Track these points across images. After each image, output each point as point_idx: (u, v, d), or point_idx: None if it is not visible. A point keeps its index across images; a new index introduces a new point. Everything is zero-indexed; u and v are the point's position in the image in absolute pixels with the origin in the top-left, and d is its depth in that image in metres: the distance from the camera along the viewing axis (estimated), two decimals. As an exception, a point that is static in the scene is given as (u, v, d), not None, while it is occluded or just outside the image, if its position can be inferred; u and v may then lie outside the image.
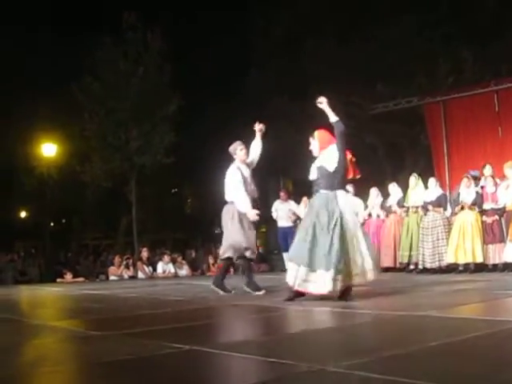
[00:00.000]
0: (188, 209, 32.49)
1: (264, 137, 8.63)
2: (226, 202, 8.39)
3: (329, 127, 7.13)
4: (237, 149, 8.46)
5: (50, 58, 23.15)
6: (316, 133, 7.12)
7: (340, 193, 6.83)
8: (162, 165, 20.65)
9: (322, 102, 7.07)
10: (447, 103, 16.89)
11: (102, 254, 22.76)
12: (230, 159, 8.46)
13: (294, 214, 15.72)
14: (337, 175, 6.86)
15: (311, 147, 7.12)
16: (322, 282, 6.31)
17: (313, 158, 7.15)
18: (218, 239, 25.25)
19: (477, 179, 12.78)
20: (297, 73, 21.60)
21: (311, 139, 7.13)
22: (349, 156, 7.07)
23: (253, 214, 8.15)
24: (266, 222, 17.06)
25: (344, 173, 6.99)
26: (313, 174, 7.08)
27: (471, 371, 2.86)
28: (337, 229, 6.47)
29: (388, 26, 19.64)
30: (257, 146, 8.63)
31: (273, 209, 16.32)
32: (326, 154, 6.97)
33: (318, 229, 6.55)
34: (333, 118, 6.95)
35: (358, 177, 7.40)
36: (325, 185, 6.84)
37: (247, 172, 8.39)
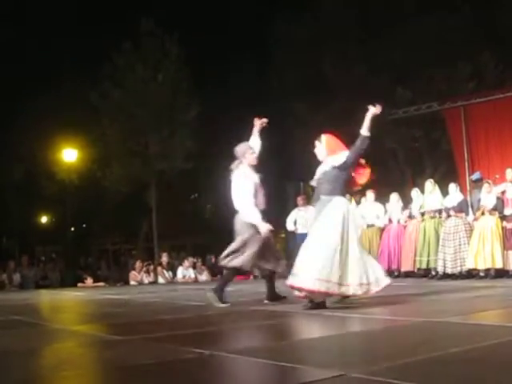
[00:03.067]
0: (207, 214, 32.48)
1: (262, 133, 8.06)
2: None
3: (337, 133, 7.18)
4: (247, 152, 7.75)
5: (71, 65, 23.30)
6: (323, 137, 7.03)
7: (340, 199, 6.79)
8: (182, 170, 20.72)
9: (375, 112, 7.01)
10: (468, 108, 16.80)
11: (121, 259, 22.83)
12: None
13: None
14: (339, 179, 6.83)
15: (316, 150, 7.06)
16: None
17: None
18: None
19: (478, 182, 12.76)
20: (317, 77, 21.59)
21: (317, 142, 7.05)
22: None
23: (265, 228, 7.49)
24: (285, 227, 17.00)
25: (346, 181, 6.97)
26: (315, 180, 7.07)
27: (492, 378, 2.84)
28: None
29: (409, 30, 19.59)
30: (256, 143, 8.04)
31: (289, 219, 16.26)
32: (334, 159, 6.90)
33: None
34: (366, 131, 6.93)
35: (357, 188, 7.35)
36: (326, 190, 6.83)
37: (257, 178, 7.69)
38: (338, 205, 6.71)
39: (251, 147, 7.84)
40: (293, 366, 3.22)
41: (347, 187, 7.09)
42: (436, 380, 2.81)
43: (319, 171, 6.99)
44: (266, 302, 7.61)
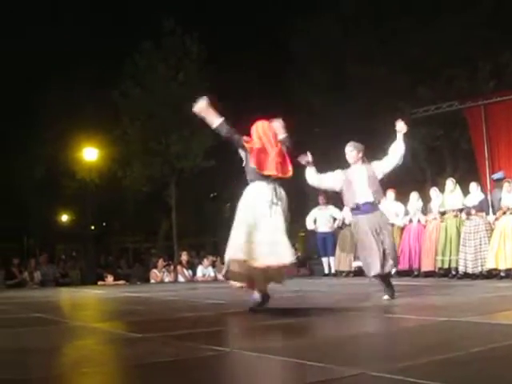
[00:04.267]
0: (227, 212, 32.55)
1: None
2: None
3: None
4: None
5: (92, 64, 23.41)
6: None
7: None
8: (202, 169, 20.75)
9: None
10: (488, 107, 16.69)
11: (141, 258, 22.91)
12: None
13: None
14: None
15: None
16: None
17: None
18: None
19: (500, 181, 12.70)
20: (338, 77, 21.57)
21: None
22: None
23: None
24: (305, 225, 17.00)
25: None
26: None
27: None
28: None
29: (429, 29, 19.51)
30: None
31: (309, 218, 16.26)
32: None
33: None
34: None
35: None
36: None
37: None
38: None
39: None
40: (312, 363, 3.22)
41: None
42: (457, 379, 2.80)
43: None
44: None
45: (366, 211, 7.26)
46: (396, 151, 7.51)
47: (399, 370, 2.95)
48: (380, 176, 7.41)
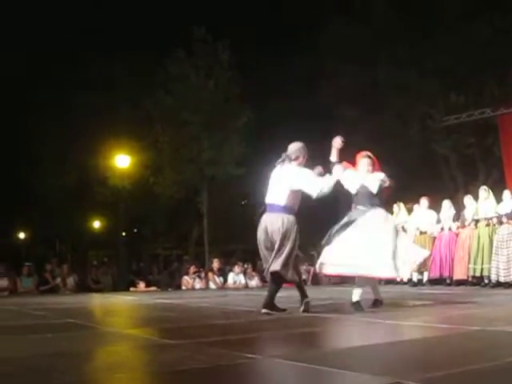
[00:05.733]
0: (257, 219, 32.60)
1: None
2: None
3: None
4: (303, 154, 7.43)
5: (125, 72, 23.64)
6: (373, 157, 7.52)
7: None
8: (233, 176, 20.81)
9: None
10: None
11: (172, 265, 23.00)
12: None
13: None
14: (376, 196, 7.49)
15: (364, 165, 7.44)
16: None
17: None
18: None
19: None
20: (370, 83, 21.51)
21: (368, 160, 7.48)
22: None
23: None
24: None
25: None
26: (353, 188, 7.53)
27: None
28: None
29: (460, 35, 19.40)
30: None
31: None
32: (374, 177, 7.50)
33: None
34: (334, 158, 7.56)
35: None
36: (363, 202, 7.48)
37: None
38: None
39: (306, 150, 7.47)
40: (346, 372, 3.21)
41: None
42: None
43: (358, 182, 7.32)
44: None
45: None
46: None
47: (433, 380, 2.94)
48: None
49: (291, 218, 7.16)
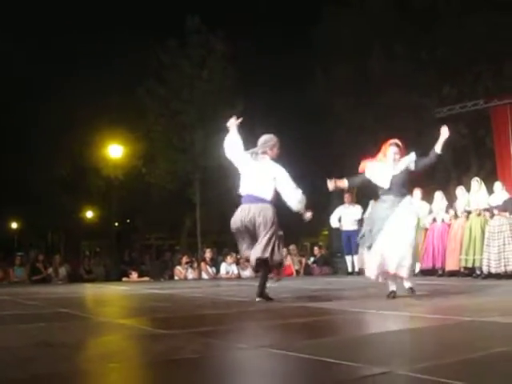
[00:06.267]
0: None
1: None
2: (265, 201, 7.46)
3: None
4: (276, 145, 7.75)
5: (117, 62, 23.57)
6: (401, 145, 7.32)
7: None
8: (225, 167, 20.80)
9: (445, 134, 7.47)
10: (515, 106, 16.59)
11: (165, 255, 23.01)
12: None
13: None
14: (405, 184, 7.41)
15: (392, 155, 7.25)
16: None
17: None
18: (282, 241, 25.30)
19: None
20: (363, 75, 21.51)
21: (396, 148, 7.28)
22: None
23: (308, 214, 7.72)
24: (328, 224, 17.01)
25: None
26: (386, 181, 7.24)
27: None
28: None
29: (456, 27, 19.42)
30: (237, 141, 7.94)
31: (334, 216, 16.25)
32: (403, 163, 7.38)
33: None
34: (439, 149, 7.41)
35: None
36: (396, 191, 7.35)
37: None
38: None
39: (278, 142, 7.79)
40: (338, 362, 3.23)
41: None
42: (483, 379, 2.79)
43: (388, 172, 7.22)
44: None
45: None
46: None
47: (424, 370, 2.95)
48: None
49: (274, 209, 7.46)
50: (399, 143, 7.37)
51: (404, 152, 7.39)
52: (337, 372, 3.06)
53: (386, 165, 7.38)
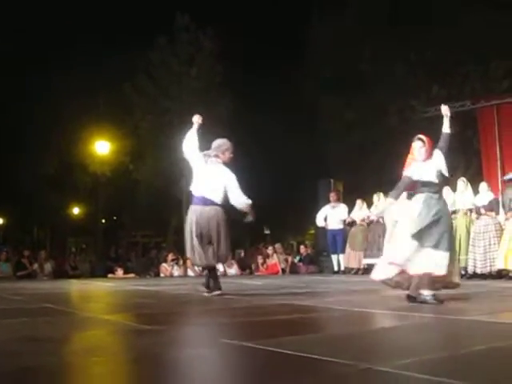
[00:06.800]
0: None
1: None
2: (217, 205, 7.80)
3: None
4: (228, 150, 8.00)
5: (105, 58, 23.51)
6: (426, 139, 7.10)
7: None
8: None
9: (447, 112, 7.24)
10: (501, 107, 16.68)
11: (151, 252, 22.99)
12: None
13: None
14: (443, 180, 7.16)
15: (419, 150, 7.06)
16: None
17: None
18: (267, 239, 25.25)
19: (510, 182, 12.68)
20: (353, 75, 21.58)
21: (421, 143, 7.06)
22: None
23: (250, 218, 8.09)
24: (315, 223, 17.05)
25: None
26: (419, 176, 7.06)
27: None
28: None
29: (445, 28, 19.52)
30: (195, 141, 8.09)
31: (319, 215, 16.29)
32: (433, 160, 7.05)
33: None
34: (449, 129, 7.15)
35: None
36: (435, 189, 7.00)
37: None
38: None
39: (232, 147, 8.01)
40: (319, 358, 3.25)
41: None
42: (462, 376, 2.82)
43: (419, 170, 7.02)
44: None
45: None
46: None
47: (404, 366, 2.99)
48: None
49: (224, 212, 7.83)
50: (423, 138, 7.16)
51: (431, 146, 7.14)
52: (317, 368, 3.09)
53: (414, 163, 7.17)
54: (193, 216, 7.75)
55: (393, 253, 6.87)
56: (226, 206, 7.88)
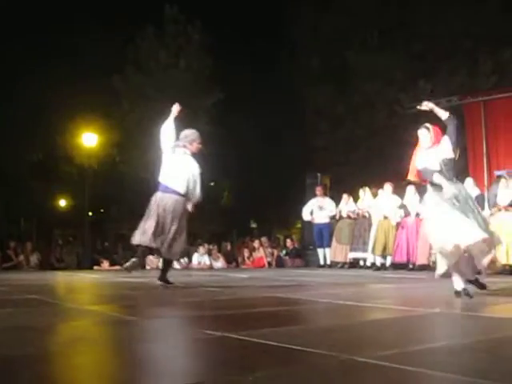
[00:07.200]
0: (223, 201, 32.55)
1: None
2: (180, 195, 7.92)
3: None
4: (196, 140, 8.14)
5: (92, 49, 23.39)
6: (431, 126, 7.11)
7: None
8: (200, 156, 20.77)
9: (428, 106, 7.20)
10: (488, 103, 16.73)
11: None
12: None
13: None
14: (454, 164, 6.98)
15: (423, 138, 7.07)
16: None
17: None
18: (254, 233, 25.25)
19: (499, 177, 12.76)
20: (340, 67, 21.62)
21: (425, 130, 7.06)
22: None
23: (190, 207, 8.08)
24: (301, 217, 17.09)
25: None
26: (423, 163, 7.06)
27: (498, 369, 2.87)
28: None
29: (434, 22, 19.58)
30: (172, 130, 8.20)
31: (306, 209, 16.32)
32: (440, 147, 6.99)
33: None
34: (444, 115, 7.02)
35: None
36: (449, 175, 6.89)
37: None
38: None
39: (199, 137, 8.13)
40: (300, 349, 3.28)
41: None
42: (442, 368, 2.85)
43: (426, 157, 7.03)
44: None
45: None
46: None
47: (386, 357, 3.01)
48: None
49: (185, 202, 7.96)
50: (428, 126, 7.17)
51: (439, 134, 7.13)
52: (299, 359, 3.11)
53: (419, 152, 7.16)
54: (152, 201, 7.94)
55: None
56: (188, 196, 7.99)
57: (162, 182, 7.94)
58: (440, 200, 6.74)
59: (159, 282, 7.95)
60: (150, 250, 8.17)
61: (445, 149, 6.92)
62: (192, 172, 7.96)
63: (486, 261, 6.61)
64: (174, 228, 7.69)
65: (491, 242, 6.62)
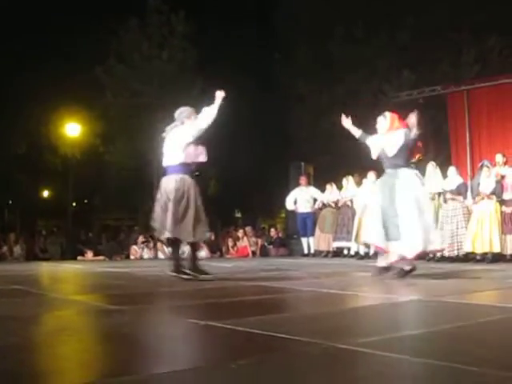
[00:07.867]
0: (210, 190, 32.55)
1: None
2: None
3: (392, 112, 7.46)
4: (192, 115, 7.57)
5: (76, 40, 23.26)
6: (388, 113, 7.26)
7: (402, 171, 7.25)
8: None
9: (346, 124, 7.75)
10: (471, 92, 16.82)
11: (120, 235, 22.90)
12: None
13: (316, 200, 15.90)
14: (398, 157, 7.25)
15: (379, 125, 7.26)
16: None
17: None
18: (238, 222, 25.25)
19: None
20: (323, 58, 21.63)
21: (382, 118, 7.26)
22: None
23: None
24: (285, 206, 17.13)
25: (407, 154, 7.39)
26: (375, 152, 7.44)
27: (479, 353, 2.92)
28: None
29: (417, 12, 19.64)
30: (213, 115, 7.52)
31: (289, 199, 16.36)
32: (391, 136, 7.27)
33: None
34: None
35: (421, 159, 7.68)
36: (389, 164, 7.30)
37: None
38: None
39: (194, 112, 7.60)
40: (283, 336, 3.30)
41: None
42: (422, 353, 2.88)
43: (377, 145, 7.22)
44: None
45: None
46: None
47: (367, 344, 3.05)
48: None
49: (187, 177, 7.37)
50: (386, 114, 7.36)
51: (399, 122, 7.31)
52: (281, 346, 3.14)
53: (377, 137, 7.37)
54: (160, 187, 7.52)
55: None
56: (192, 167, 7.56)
57: (164, 166, 7.55)
58: (378, 189, 7.18)
59: (185, 274, 7.43)
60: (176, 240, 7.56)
61: (391, 141, 7.27)
62: (185, 131, 7.47)
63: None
64: (186, 209, 7.17)
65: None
